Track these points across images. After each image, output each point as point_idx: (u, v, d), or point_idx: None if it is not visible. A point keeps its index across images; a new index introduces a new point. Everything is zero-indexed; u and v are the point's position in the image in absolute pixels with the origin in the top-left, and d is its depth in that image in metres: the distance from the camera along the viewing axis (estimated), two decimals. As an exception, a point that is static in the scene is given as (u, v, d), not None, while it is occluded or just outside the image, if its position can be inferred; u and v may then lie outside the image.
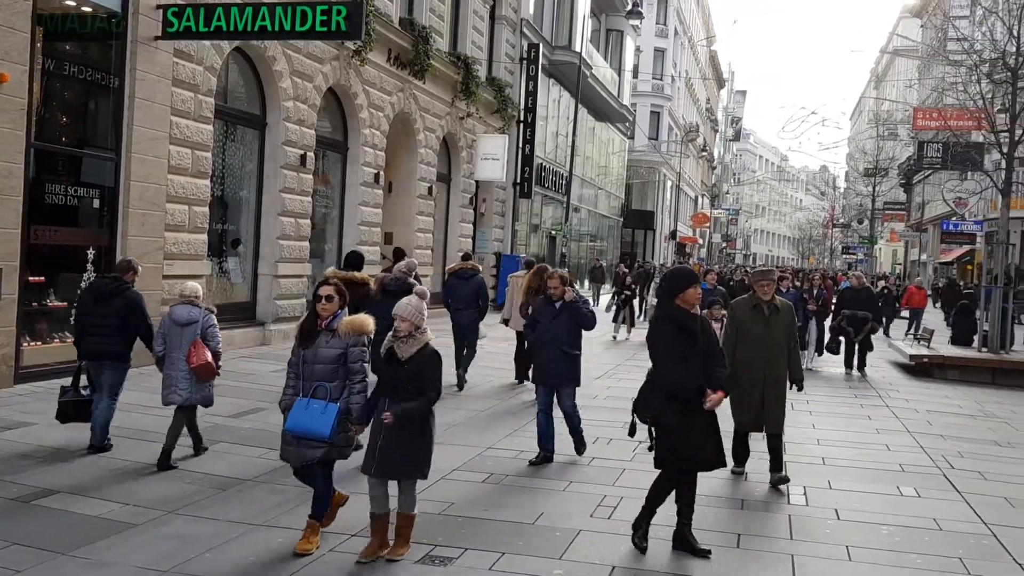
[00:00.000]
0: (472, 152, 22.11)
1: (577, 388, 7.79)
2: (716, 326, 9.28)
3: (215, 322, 7.07)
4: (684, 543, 5.41)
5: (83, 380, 7.20)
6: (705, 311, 9.32)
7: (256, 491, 6.32)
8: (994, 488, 7.43)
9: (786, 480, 7.04)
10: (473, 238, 23.01)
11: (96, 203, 10.81)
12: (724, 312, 10.24)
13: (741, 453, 7.40)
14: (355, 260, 9.20)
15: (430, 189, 19.73)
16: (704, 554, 5.35)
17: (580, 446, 7.85)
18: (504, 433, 8.65)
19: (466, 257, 12.79)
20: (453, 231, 21.81)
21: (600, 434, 8.74)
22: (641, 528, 5.44)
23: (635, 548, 5.37)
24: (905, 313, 23.85)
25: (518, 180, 24.95)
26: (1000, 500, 7.04)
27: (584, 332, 7.76)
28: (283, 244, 14.11)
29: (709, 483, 6.18)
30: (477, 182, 22.77)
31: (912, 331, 20.18)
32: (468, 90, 20.54)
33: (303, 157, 14.43)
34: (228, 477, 6.60)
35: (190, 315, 6.88)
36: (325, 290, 5.38)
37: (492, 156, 22.21)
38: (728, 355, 6.46)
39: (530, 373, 12.36)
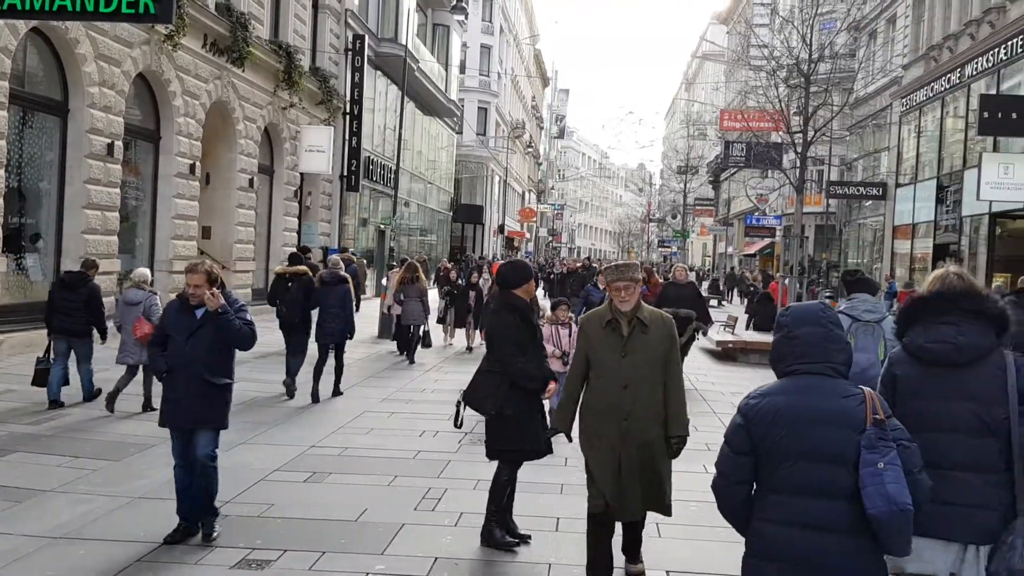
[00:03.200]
0: (296, 143, 21.56)
1: (221, 431, 5.50)
2: (564, 331, 8.71)
3: (157, 302, 8.83)
4: (505, 529, 5.55)
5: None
6: (549, 314, 8.96)
7: (55, 501, 5.93)
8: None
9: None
10: (299, 232, 22.45)
11: None
12: (571, 315, 9.23)
13: (599, 560, 4.75)
14: (298, 258, 11.59)
15: (251, 181, 19.08)
16: (524, 539, 5.52)
17: (209, 516, 5.37)
18: (330, 430, 8.53)
19: (343, 250, 16.70)
20: (277, 225, 21.18)
21: (427, 427, 8.80)
22: (495, 529, 5.40)
23: (506, 551, 5.30)
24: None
25: (345, 173, 24.57)
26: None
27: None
28: (88, 239, 13.24)
29: (532, 469, 6.33)
30: (302, 174, 22.23)
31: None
32: (291, 80, 20.01)
33: (110, 146, 13.59)
34: (24, 488, 6.16)
35: (135, 296, 8.84)
36: None
37: (317, 148, 21.74)
38: (571, 393, 4.86)
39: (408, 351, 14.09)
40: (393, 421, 9.21)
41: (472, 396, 5.53)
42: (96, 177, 13.34)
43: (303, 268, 11.00)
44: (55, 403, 8.82)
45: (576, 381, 4.84)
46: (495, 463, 5.56)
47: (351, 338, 10.69)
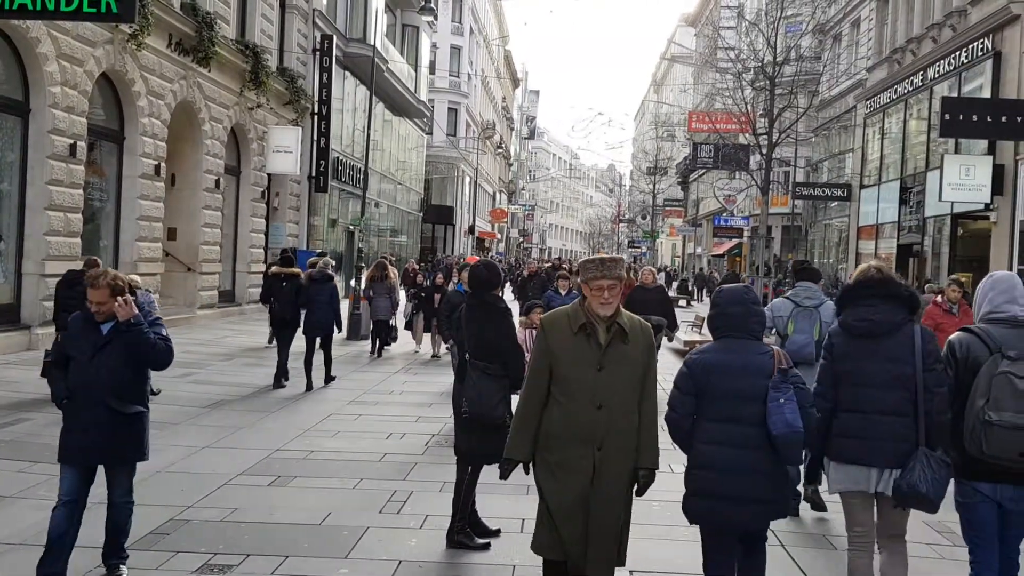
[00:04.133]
0: (263, 144, 21.39)
1: (137, 465, 4.82)
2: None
3: (153, 299, 9.31)
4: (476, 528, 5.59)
5: None
6: (522, 317, 8.47)
7: (15, 507, 5.85)
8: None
9: None
10: (266, 233, 22.29)
11: None
12: None
13: None
14: (290, 259, 12.24)
15: (217, 182, 18.91)
16: (494, 534, 5.59)
17: (117, 559, 4.76)
18: (295, 433, 8.48)
19: (322, 254, 16.99)
20: (244, 226, 21.00)
21: (394, 430, 8.79)
22: (465, 530, 5.46)
23: (475, 549, 5.36)
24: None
25: (313, 174, 24.43)
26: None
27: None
28: (51, 240, 13.06)
29: (492, 472, 6.34)
30: (269, 175, 22.06)
31: None
32: (257, 80, 19.86)
33: (73, 147, 13.40)
34: (-17, 496, 6.07)
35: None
36: None
37: (285, 148, 21.58)
38: (530, 414, 3.98)
39: (381, 347, 14.88)
40: (360, 424, 9.18)
41: (481, 405, 5.31)
42: (58, 178, 13.15)
43: (296, 269, 11.95)
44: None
45: (536, 399, 3.95)
46: (453, 464, 5.59)
47: (340, 330, 12.00)
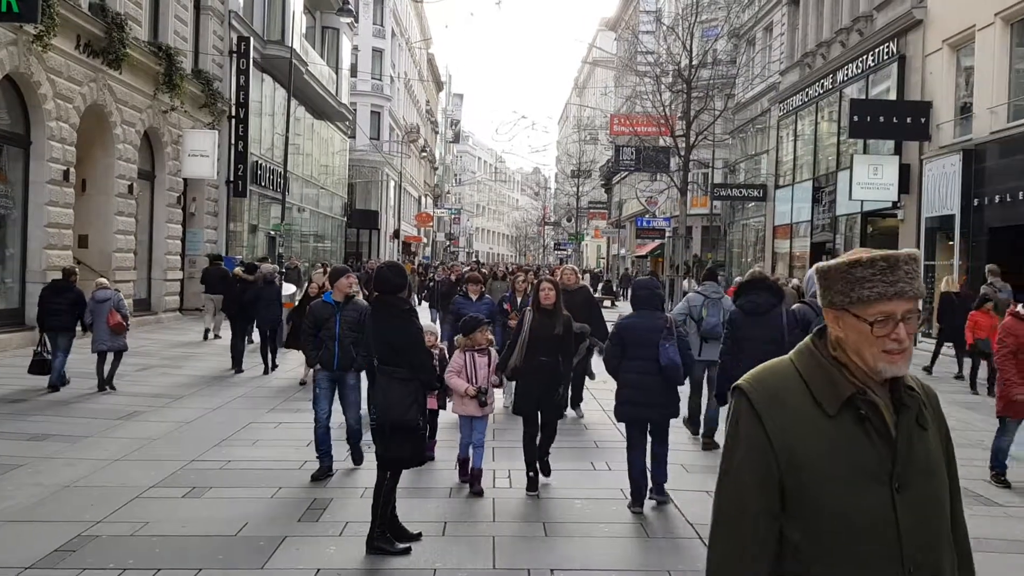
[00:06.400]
0: (179, 148, 20.86)
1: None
2: (482, 360, 6.77)
3: (122, 297, 11.18)
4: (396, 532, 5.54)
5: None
6: (462, 338, 6.92)
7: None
8: (674, 457, 8.24)
9: None
10: (183, 239, 21.74)
11: None
12: (491, 337, 7.18)
13: None
14: (252, 268, 14.58)
15: (131, 187, 18.35)
16: (415, 538, 5.52)
17: None
18: (212, 443, 8.28)
19: (263, 259, 18.73)
20: (159, 232, 20.43)
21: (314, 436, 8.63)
22: (384, 534, 5.38)
23: (396, 554, 5.26)
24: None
25: (231, 178, 23.91)
26: (678, 467, 7.82)
27: None
28: (-49, 250, 12.50)
29: (419, 473, 6.32)
30: (185, 180, 21.51)
31: None
32: (171, 82, 19.34)
33: (-27, 152, 12.87)
34: None
35: (104, 295, 10.79)
36: None
37: (201, 152, 21.07)
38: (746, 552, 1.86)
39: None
40: (280, 431, 9.01)
41: (390, 410, 5.25)
42: (-42, 184, 12.60)
43: (251, 276, 13.87)
44: (62, 384, 10.68)
45: (755, 557, 1.87)
46: (374, 470, 5.53)
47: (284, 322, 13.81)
